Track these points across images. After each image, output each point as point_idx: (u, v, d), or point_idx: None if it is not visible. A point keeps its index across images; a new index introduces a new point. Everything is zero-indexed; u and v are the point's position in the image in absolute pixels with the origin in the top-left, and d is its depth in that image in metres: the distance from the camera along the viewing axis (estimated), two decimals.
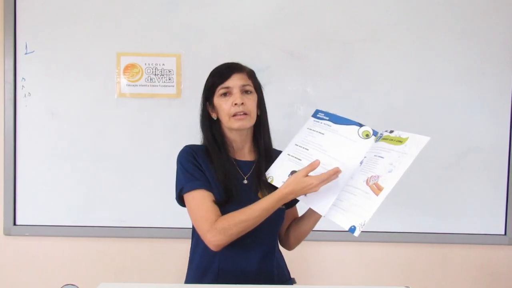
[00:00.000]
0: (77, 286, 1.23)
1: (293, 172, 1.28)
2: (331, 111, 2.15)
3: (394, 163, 1.20)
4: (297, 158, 1.31)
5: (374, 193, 1.19)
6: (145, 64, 2.16)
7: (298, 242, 1.49)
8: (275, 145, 1.51)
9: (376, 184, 1.20)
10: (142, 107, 2.17)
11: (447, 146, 2.21)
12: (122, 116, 2.17)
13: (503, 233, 2.23)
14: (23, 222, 2.19)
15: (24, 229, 2.19)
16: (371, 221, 2.18)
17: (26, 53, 2.15)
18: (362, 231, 1.21)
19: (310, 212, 1.41)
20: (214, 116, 1.41)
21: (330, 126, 1.35)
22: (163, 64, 2.16)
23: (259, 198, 1.35)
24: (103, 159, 2.17)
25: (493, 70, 2.19)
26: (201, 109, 1.43)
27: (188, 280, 1.44)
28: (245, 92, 1.38)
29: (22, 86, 2.16)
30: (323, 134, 1.35)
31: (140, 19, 2.16)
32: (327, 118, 1.38)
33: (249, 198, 1.34)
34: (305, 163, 1.29)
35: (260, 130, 1.44)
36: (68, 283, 1.24)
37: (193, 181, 1.34)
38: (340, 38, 2.18)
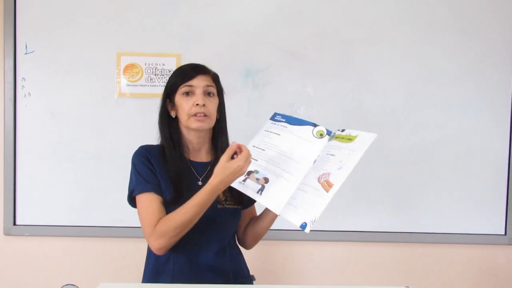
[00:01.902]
0: (77, 286, 1.23)
1: (249, 172, 1.30)
2: (331, 111, 2.18)
3: (344, 160, 1.24)
4: (254, 159, 1.32)
5: (325, 189, 1.22)
6: (145, 64, 2.16)
7: (255, 242, 1.50)
8: None
9: (327, 181, 1.23)
10: (142, 107, 2.17)
11: (447, 146, 2.21)
12: (122, 116, 2.17)
13: (503, 233, 2.23)
14: (23, 222, 2.19)
15: (24, 229, 2.19)
16: (372, 221, 2.20)
17: (26, 53, 2.15)
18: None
19: (266, 211, 1.42)
20: (173, 114, 1.40)
21: (286, 127, 1.39)
22: (163, 64, 2.16)
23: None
24: (103, 159, 2.17)
25: (493, 70, 2.20)
26: (161, 106, 1.42)
27: (144, 281, 1.44)
28: (207, 94, 1.38)
29: (22, 86, 2.16)
30: (279, 135, 1.38)
31: (140, 19, 2.16)
32: (284, 120, 1.41)
33: None
34: (262, 163, 1.32)
35: (218, 133, 1.44)
36: (68, 283, 1.24)
37: (143, 183, 1.33)
38: (340, 38, 2.18)
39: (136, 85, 2.17)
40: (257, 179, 1.30)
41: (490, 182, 2.22)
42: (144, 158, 1.37)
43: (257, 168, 1.31)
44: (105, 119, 2.17)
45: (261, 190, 1.28)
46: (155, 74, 2.17)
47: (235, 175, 1.23)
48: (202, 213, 1.26)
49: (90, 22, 2.15)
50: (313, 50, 2.18)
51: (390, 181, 2.19)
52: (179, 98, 1.37)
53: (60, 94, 2.16)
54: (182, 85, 1.37)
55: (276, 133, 1.38)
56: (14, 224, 2.19)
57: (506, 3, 2.19)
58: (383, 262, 2.26)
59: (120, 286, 1.40)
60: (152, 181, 1.34)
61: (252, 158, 1.30)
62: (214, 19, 2.16)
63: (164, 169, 1.36)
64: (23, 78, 2.16)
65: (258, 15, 2.18)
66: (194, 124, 1.35)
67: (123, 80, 2.17)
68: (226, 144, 1.45)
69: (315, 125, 1.36)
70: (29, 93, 2.16)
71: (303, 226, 1.22)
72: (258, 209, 1.50)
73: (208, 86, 1.37)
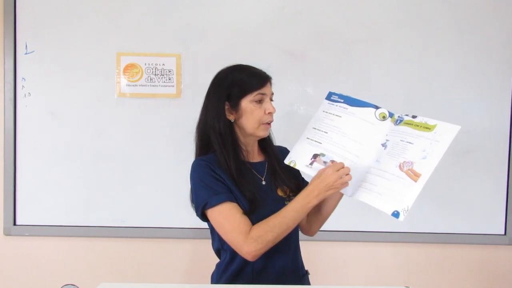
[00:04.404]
0: (77, 286, 1.23)
1: (315, 156, 1.29)
2: None
3: (427, 150, 1.20)
4: (318, 142, 1.31)
5: (412, 179, 1.19)
6: (145, 64, 2.16)
7: (320, 226, 1.49)
8: (275, 144, 1.52)
9: (412, 170, 1.19)
10: (142, 107, 2.17)
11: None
12: (122, 116, 2.17)
13: (503, 233, 2.23)
14: (23, 222, 2.19)
15: (24, 229, 2.19)
16: (372, 221, 2.20)
17: (26, 53, 2.15)
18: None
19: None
20: (231, 118, 1.34)
21: (347, 108, 1.35)
22: (163, 64, 2.16)
23: (279, 196, 1.36)
24: (103, 159, 2.17)
25: (493, 69, 2.19)
26: (220, 108, 1.33)
27: (215, 282, 1.41)
28: (270, 100, 1.38)
29: (22, 86, 2.16)
30: (340, 116, 1.34)
31: (140, 19, 2.16)
32: (342, 101, 1.37)
33: (271, 198, 1.35)
34: (326, 146, 1.30)
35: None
36: (68, 283, 1.24)
37: (216, 194, 1.28)
38: (340, 38, 2.18)
39: (136, 85, 2.17)
40: (324, 162, 1.27)
41: (490, 182, 2.22)
42: (208, 169, 1.31)
43: (323, 151, 1.29)
44: (105, 119, 2.17)
45: None
46: (155, 74, 2.16)
47: (324, 181, 1.21)
48: (299, 218, 1.26)
49: (90, 22, 2.15)
50: (313, 50, 2.18)
51: None
52: (249, 104, 1.32)
53: (60, 94, 2.16)
54: (257, 92, 1.32)
55: (336, 115, 1.34)
56: (14, 224, 2.19)
57: (506, 3, 2.19)
58: (383, 262, 2.26)
59: (120, 286, 1.40)
60: (223, 191, 1.29)
61: (315, 141, 1.30)
62: (214, 19, 2.16)
63: (230, 179, 1.31)
64: (23, 78, 2.16)
65: (258, 15, 2.17)
66: (262, 132, 1.35)
67: (123, 80, 2.16)
68: (272, 144, 1.46)
69: (376, 107, 1.33)
70: (29, 93, 2.16)
71: (396, 214, 1.19)
72: None
73: (272, 93, 1.38)
